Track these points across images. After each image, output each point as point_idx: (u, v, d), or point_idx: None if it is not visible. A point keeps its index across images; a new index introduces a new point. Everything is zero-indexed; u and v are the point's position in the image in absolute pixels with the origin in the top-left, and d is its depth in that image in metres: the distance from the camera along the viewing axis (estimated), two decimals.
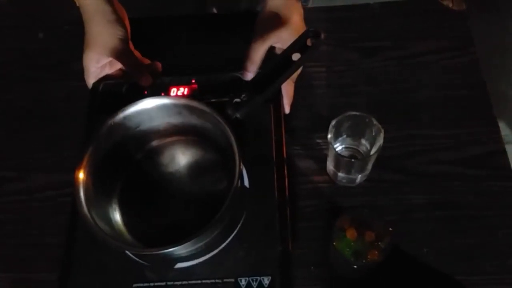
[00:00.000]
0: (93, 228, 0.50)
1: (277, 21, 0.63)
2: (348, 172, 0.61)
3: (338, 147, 0.63)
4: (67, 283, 0.57)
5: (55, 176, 0.68)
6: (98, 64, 0.65)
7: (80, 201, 0.51)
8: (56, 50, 0.78)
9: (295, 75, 0.64)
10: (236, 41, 0.75)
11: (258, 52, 0.63)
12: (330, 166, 0.63)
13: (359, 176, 0.62)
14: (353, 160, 0.60)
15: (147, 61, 0.67)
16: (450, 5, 0.77)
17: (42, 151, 0.70)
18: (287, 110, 0.65)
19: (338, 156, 0.59)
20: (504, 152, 0.65)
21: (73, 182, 0.52)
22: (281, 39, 0.62)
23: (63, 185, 0.66)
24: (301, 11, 0.66)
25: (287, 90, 0.64)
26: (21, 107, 0.74)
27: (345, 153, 0.64)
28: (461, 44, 0.74)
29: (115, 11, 0.64)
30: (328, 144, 0.60)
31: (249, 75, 0.64)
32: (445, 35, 0.75)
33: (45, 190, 0.67)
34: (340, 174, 0.62)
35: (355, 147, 0.64)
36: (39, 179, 0.68)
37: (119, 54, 0.64)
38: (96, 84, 0.67)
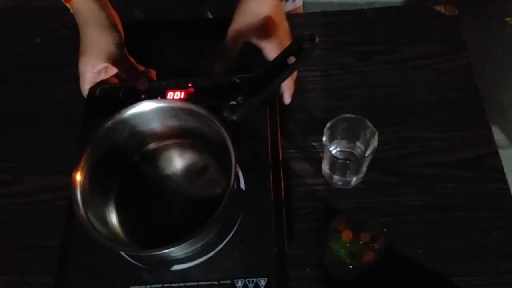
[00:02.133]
0: (89, 229, 0.50)
1: (262, 28, 0.65)
2: (343, 174, 0.62)
3: (333, 150, 0.64)
4: (63, 286, 0.57)
5: (51, 179, 0.68)
6: (94, 70, 0.65)
7: (77, 202, 0.51)
8: (53, 54, 0.79)
9: (294, 74, 0.66)
10: None
11: (236, 49, 0.66)
12: (325, 168, 0.64)
13: (354, 178, 0.63)
14: (348, 162, 0.60)
15: (141, 68, 0.67)
16: (443, 10, 0.78)
17: (39, 154, 0.70)
18: (287, 101, 0.67)
19: (333, 158, 0.59)
20: (496, 154, 0.66)
21: (70, 183, 0.52)
22: (266, 50, 0.65)
23: (59, 188, 0.66)
24: (283, 12, 0.69)
25: (287, 84, 0.65)
26: (18, 110, 0.75)
27: (340, 156, 0.64)
28: (454, 48, 0.75)
29: (109, 17, 0.65)
30: (323, 147, 0.61)
31: (221, 68, 0.66)
32: (438, 39, 0.76)
33: (41, 193, 0.67)
34: (335, 176, 0.63)
35: (350, 149, 0.65)
36: (35, 181, 0.68)
37: (115, 59, 0.64)
38: (93, 88, 0.67)
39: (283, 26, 0.68)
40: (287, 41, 0.66)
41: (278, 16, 0.67)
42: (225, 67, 0.67)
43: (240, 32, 0.66)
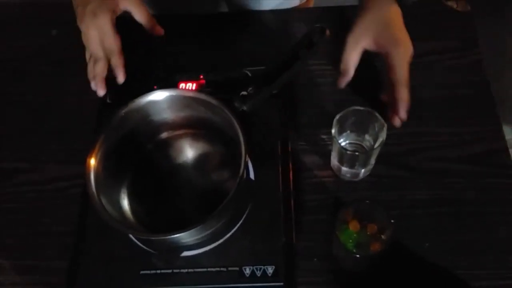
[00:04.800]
0: (102, 213, 0.52)
1: (386, 34, 0.63)
2: (351, 166, 0.62)
3: (343, 142, 0.65)
4: (77, 270, 0.59)
5: (66, 167, 0.69)
6: (116, 15, 0.62)
7: (91, 186, 0.53)
8: (69, 46, 0.80)
9: (405, 78, 0.63)
10: (244, 39, 0.77)
11: (356, 59, 0.64)
12: (334, 160, 0.64)
13: (363, 170, 0.63)
14: (356, 153, 0.61)
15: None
16: (455, 6, 0.78)
17: (55, 144, 0.72)
18: (403, 116, 0.64)
19: (341, 149, 0.60)
20: (506, 150, 0.66)
21: (84, 170, 0.54)
22: (390, 57, 0.63)
23: (74, 177, 0.68)
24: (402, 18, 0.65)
25: (401, 94, 0.63)
26: (35, 101, 0.76)
27: (349, 148, 0.65)
28: (466, 44, 0.75)
29: None
30: (332, 139, 0.61)
31: (343, 82, 0.65)
32: (450, 35, 0.76)
33: (57, 181, 0.69)
34: (344, 168, 0.63)
35: (359, 142, 0.65)
36: (51, 170, 0.70)
37: (134, 3, 0.63)
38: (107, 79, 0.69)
39: (405, 32, 0.65)
40: (409, 48, 0.64)
41: (399, 22, 0.65)
42: (346, 80, 0.66)
43: (361, 39, 0.64)
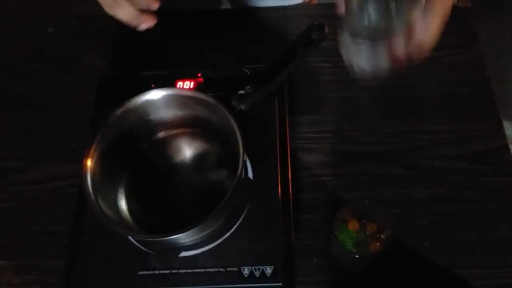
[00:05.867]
0: (99, 214, 0.51)
1: None
2: (373, 36, 0.48)
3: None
4: (74, 271, 0.59)
5: (63, 167, 0.69)
6: None
7: (87, 188, 0.53)
8: (66, 44, 0.80)
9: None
10: (243, 37, 0.77)
11: None
12: (347, 39, 0.49)
13: (384, 51, 0.49)
14: None
15: None
16: (455, 2, 0.77)
17: (52, 143, 0.71)
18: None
19: None
20: (506, 148, 0.66)
21: (81, 169, 0.53)
22: None
23: (71, 176, 0.67)
24: None
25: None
26: (31, 100, 0.76)
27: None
28: (466, 41, 0.75)
29: None
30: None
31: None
32: (450, 32, 0.75)
33: (54, 180, 0.68)
34: (362, 45, 0.49)
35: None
36: (48, 169, 0.69)
37: None
38: (104, 78, 0.69)
39: None
40: None
41: None
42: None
43: None
